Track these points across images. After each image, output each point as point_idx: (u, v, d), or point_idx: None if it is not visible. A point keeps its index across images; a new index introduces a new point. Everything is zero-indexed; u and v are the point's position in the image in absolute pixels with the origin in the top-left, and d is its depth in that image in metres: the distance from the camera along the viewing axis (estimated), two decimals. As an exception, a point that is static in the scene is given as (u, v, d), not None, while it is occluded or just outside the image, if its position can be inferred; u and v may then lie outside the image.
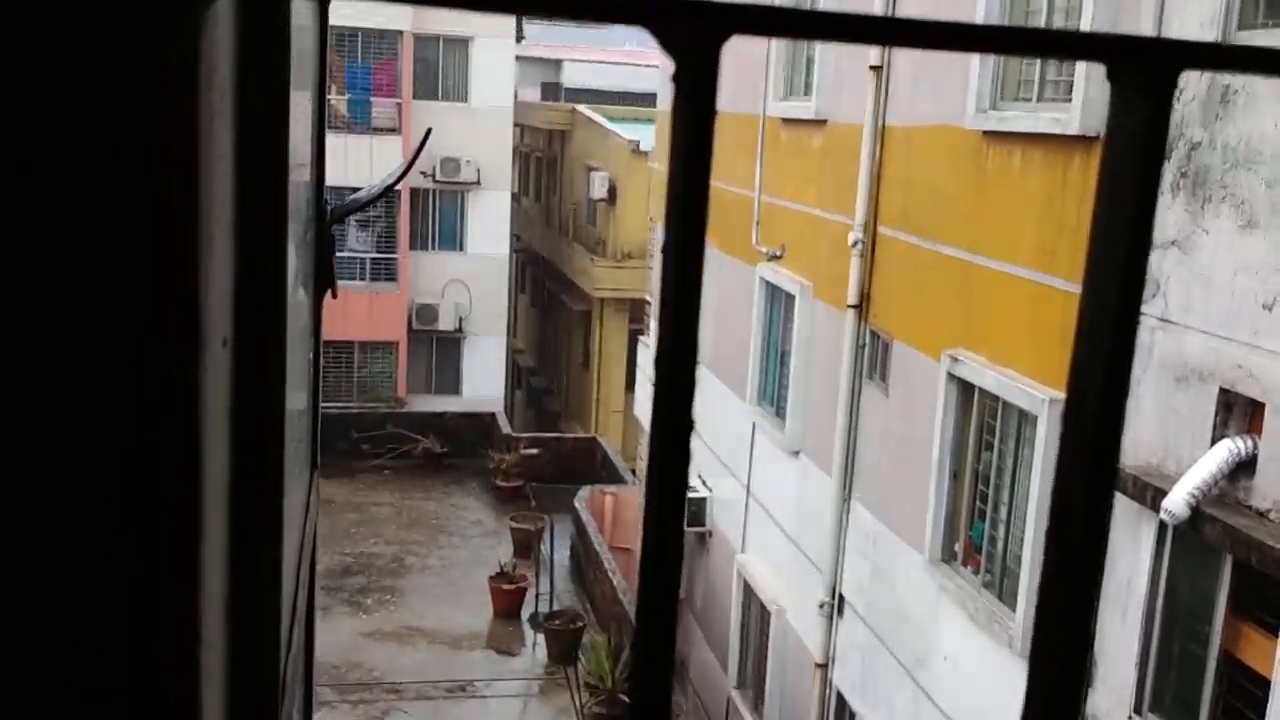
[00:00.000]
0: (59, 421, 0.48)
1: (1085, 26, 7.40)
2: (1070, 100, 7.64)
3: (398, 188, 25.36)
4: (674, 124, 0.51)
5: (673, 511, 0.53)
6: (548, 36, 42.86)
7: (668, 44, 0.51)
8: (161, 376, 0.48)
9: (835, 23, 0.52)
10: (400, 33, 25.63)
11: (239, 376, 0.69)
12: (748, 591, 13.44)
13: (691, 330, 0.50)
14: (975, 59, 8.66)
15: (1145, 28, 6.83)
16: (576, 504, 19.92)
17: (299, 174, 1.52)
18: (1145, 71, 0.55)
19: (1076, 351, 0.59)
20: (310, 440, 1.73)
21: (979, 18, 8.60)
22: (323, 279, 1.71)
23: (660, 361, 0.51)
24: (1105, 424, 0.56)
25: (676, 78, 0.52)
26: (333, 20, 25.63)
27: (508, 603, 17.99)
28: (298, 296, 1.43)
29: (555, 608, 17.72)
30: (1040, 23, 8.23)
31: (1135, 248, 0.54)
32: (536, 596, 17.96)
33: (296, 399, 1.45)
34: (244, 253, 0.71)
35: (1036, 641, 0.56)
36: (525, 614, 18.08)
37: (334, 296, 1.81)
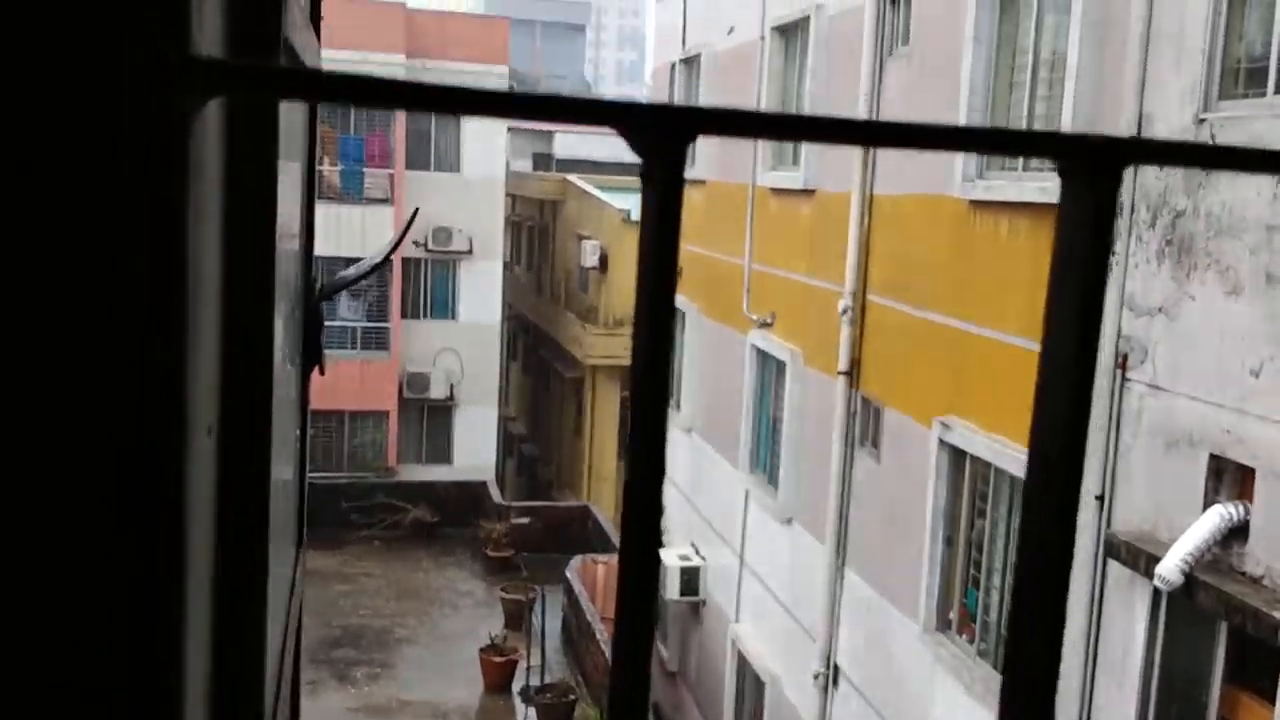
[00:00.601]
0: (40, 513, 0.49)
1: (1068, 97, 7.53)
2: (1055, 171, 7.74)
3: (391, 258, 25.47)
4: (643, 218, 0.54)
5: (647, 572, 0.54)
6: (539, 108, 43.27)
7: (636, 145, 0.53)
8: (145, 467, 0.49)
9: (794, 124, 0.55)
10: (393, 105, 25.92)
11: (224, 465, 0.70)
12: (742, 661, 13.30)
13: (660, 423, 0.52)
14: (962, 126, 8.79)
15: (1127, 99, 6.95)
16: (568, 574, 19.76)
17: (287, 250, 1.55)
18: (1091, 167, 0.57)
19: (1033, 435, 0.60)
20: (297, 517, 1.73)
21: (963, 88, 8.75)
22: (310, 356, 1.72)
23: (630, 467, 0.52)
24: (1063, 508, 0.58)
25: (644, 174, 0.54)
26: (327, 93, 25.92)
27: (498, 676, 17.76)
28: (285, 372, 1.45)
29: (547, 680, 17.49)
30: (1024, 92, 8.37)
31: (1085, 334, 0.57)
32: (528, 669, 17.74)
33: (283, 476, 1.46)
34: (230, 341, 0.73)
35: (1006, 684, 0.57)
36: (516, 687, 17.84)
37: (321, 373, 1.82)
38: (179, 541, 0.51)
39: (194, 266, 0.53)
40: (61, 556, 0.51)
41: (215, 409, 0.69)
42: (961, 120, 8.78)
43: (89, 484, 0.50)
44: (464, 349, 27.11)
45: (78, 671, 0.52)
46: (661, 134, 0.53)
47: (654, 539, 0.58)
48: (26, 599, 0.51)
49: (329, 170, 25.67)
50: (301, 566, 1.72)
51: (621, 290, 25.34)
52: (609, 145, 33.50)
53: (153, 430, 0.49)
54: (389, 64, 25.64)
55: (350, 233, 24.98)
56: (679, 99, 16.06)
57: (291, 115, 1.58)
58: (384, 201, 25.86)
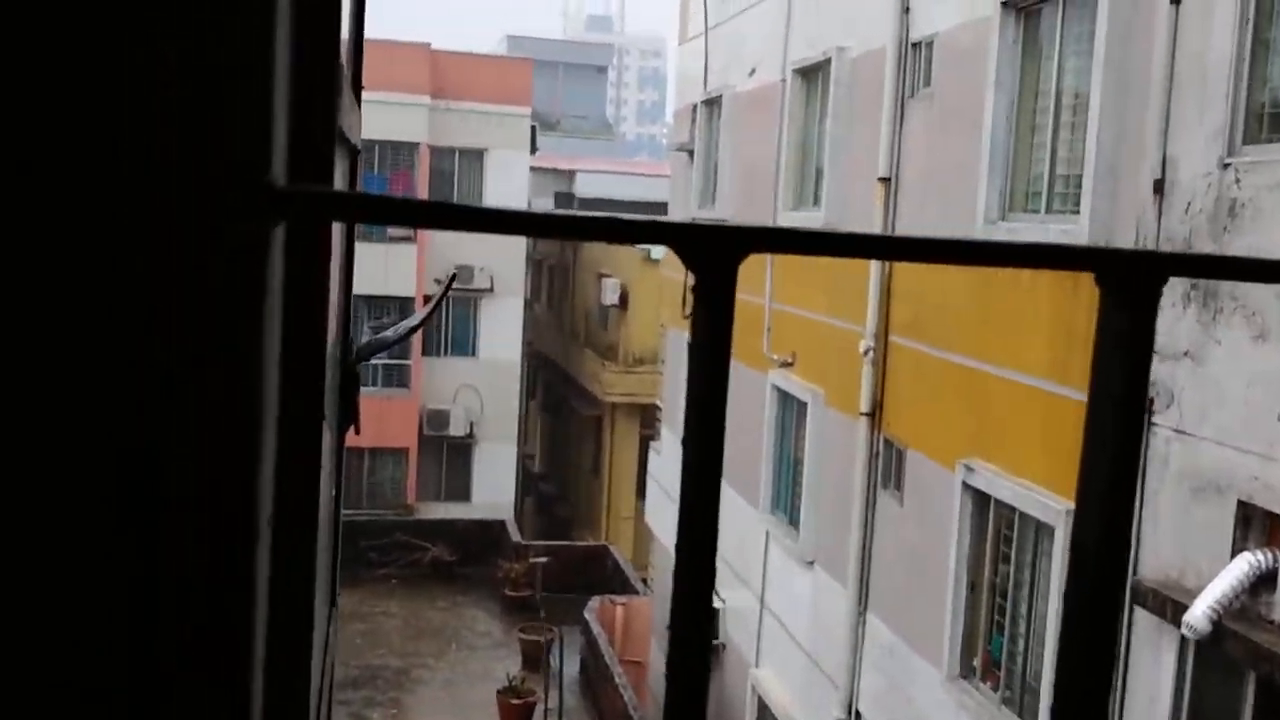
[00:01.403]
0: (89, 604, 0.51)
1: (1091, 140, 7.54)
2: (1079, 212, 7.74)
3: (412, 295, 25.63)
4: (694, 328, 0.55)
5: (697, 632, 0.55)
6: (561, 147, 43.74)
7: (690, 262, 0.55)
8: (223, 558, 0.51)
9: (839, 241, 0.56)
10: (417, 145, 26.18)
11: (276, 552, 0.71)
12: (762, 707, 13.18)
13: (711, 549, 0.53)
14: (983, 171, 8.81)
15: (1150, 143, 6.95)
16: (587, 615, 19.66)
17: (332, 318, 1.57)
18: (1130, 280, 0.58)
19: (1075, 539, 0.61)
20: (330, 578, 1.75)
21: (985, 131, 8.77)
22: (346, 416, 1.74)
23: (678, 573, 0.53)
24: (1104, 617, 0.58)
25: (697, 290, 0.56)
26: (351, 133, 26.15)
27: (516, 718, 17.64)
28: (326, 443, 1.46)
29: (565, 721, 17.37)
30: (1047, 135, 8.38)
31: (1124, 450, 0.57)
32: (545, 711, 17.62)
33: (321, 537, 1.47)
34: (284, 435, 0.75)
35: None
36: (535, 728, 17.72)
37: (357, 433, 1.84)
38: (248, 632, 0.52)
39: (266, 369, 0.54)
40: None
41: (270, 502, 0.71)
42: (983, 161, 8.80)
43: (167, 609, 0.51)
44: (484, 386, 27.18)
45: (78, 671, 0.53)
46: (714, 253, 0.54)
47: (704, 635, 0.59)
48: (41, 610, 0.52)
49: (352, 209, 25.87)
50: (335, 624, 1.73)
51: (641, 328, 25.38)
52: (630, 185, 33.69)
53: (230, 532, 0.50)
54: (414, 104, 25.92)
55: (373, 271, 25.13)
56: (700, 139, 16.15)
57: (342, 172, 1.60)
58: (407, 240, 26.05)
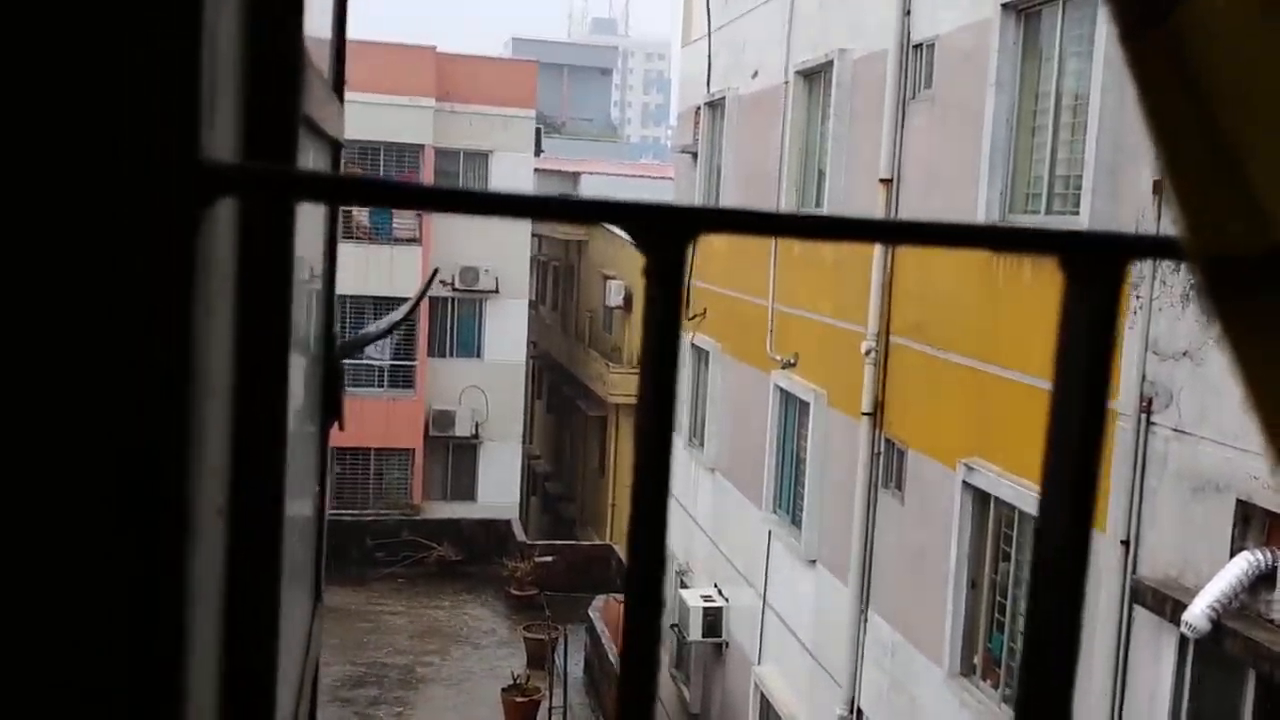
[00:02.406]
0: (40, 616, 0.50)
1: (1090, 140, 7.53)
2: (1079, 212, 7.73)
3: (409, 315, 25.60)
4: (646, 309, 0.55)
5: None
6: (566, 150, 43.76)
7: (641, 242, 0.54)
8: (147, 551, 0.50)
9: (790, 223, 0.56)
10: (421, 147, 26.19)
11: (233, 548, 0.71)
12: (765, 704, 13.18)
13: (661, 509, 0.52)
14: (984, 172, 8.80)
15: (1149, 145, 6.93)
16: (591, 613, 19.66)
17: (309, 309, 1.56)
18: (1093, 263, 0.58)
19: (1037, 543, 0.60)
20: (314, 574, 1.74)
21: (985, 132, 8.77)
22: (330, 411, 1.74)
23: (630, 552, 0.53)
24: (1070, 622, 0.58)
25: (647, 270, 0.56)
26: (355, 134, 26.16)
27: (520, 716, 17.66)
28: (305, 431, 1.46)
29: (569, 721, 17.38)
30: (1047, 135, 8.37)
31: (1087, 432, 0.57)
32: (549, 709, 17.63)
33: (301, 533, 1.47)
34: (242, 418, 0.74)
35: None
36: (539, 727, 17.73)
37: (341, 428, 1.84)
38: (179, 628, 0.52)
39: (202, 362, 0.54)
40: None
41: (224, 490, 0.70)
42: (984, 162, 8.79)
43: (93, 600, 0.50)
44: (489, 387, 27.19)
45: (78, 672, 0.52)
46: (664, 233, 0.54)
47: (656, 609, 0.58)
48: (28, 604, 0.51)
49: (358, 211, 25.90)
50: (318, 621, 1.72)
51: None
52: (635, 187, 33.72)
53: (154, 523, 0.50)
54: (419, 106, 25.94)
55: (379, 272, 25.17)
56: (704, 141, 16.15)
57: (319, 165, 1.60)
58: (412, 242, 26.07)
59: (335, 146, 1.67)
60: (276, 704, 0.86)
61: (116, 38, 0.48)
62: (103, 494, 0.51)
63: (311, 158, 1.27)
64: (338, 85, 1.68)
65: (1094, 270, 0.58)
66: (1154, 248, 0.58)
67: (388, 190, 0.49)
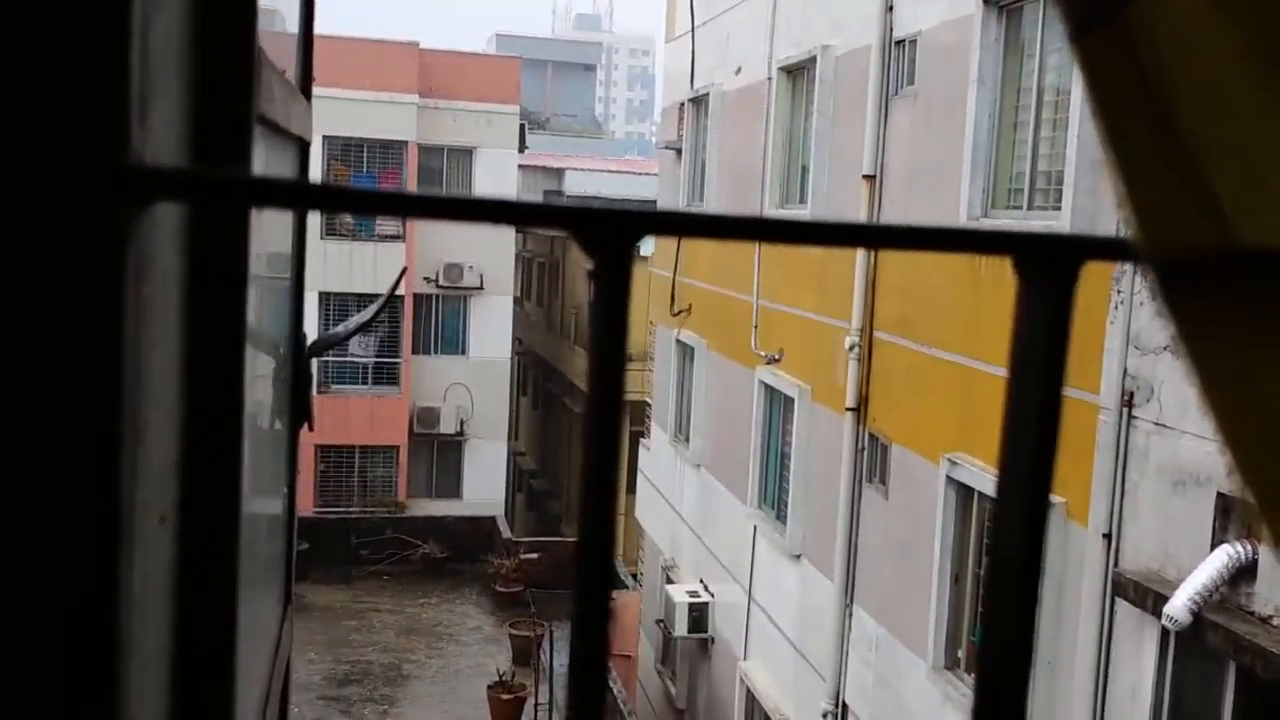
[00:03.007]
0: None
1: (1072, 136, 7.55)
2: (1060, 209, 7.75)
3: (401, 293, 25.58)
4: (593, 311, 0.55)
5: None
6: (551, 146, 43.69)
7: (585, 245, 0.54)
8: (81, 569, 0.49)
9: (735, 225, 0.55)
10: (405, 143, 26.12)
11: (185, 554, 0.70)
12: (750, 700, 13.20)
13: (609, 510, 0.52)
14: (966, 168, 8.82)
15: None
16: (577, 610, 19.60)
17: (278, 309, 1.55)
18: (1048, 264, 0.57)
19: (996, 527, 0.60)
20: (284, 575, 1.73)
21: (967, 128, 8.78)
22: (299, 413, 1.73)
23: (579, 549, 0.52)
24: (1025, 611, 0.57)
25: (593, 275, 0.55)
26: (339, 130, 26.04)
27: (507, 713, 17.65)
28: (271, 432, 1.45)
29: (555, 718, 17.38)
30: (1029, 132, 8.38)
31: (1044, 431, 0.56)
32: (535, 706, 17.63)
33: (267, 534, 1.45)
34: (194, 423, 0.73)
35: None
36: (525, 724, 17.72)
37: (311, 429, 1.83)
38: (112, 643, 0.50)
39: (142, 366, 0.53)
40: None
41: (171, 497, 0.69)
42: (966, 158, 8.81)
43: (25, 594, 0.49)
44: (474, 384, 27.15)
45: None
46: (609, 236, 0.53)
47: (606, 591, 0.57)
48: None
49: (340, 206, 25.82)
50: (289, 625, 1.71)
51: (631, 325, 25.35)
52: (619, 183, 33.68)
53: (88, 526, 0.48)
54: (402, 102, 25.87)
55: (363, 269, 25.11)
56: (688, 137, 16.14)
57: (281, 169, 1.59)
58: (396, 238, 26.00)
59: (302, 146, 1.65)
60: (236, 709, 0.85)
61: (36, 36, 0.47)
62: (29, 501, 0.50)
63: (271, 158, 1.26)
64: (305, 83, 1.66)
65: (1048, 271, 0.58)
66: (1108, 249, 0.57)
67: (326, 195, 0.48)
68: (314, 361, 2.02)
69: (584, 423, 0.55)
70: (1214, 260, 0.49)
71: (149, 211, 0.54)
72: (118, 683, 0.49)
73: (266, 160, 1.21)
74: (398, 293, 25.59)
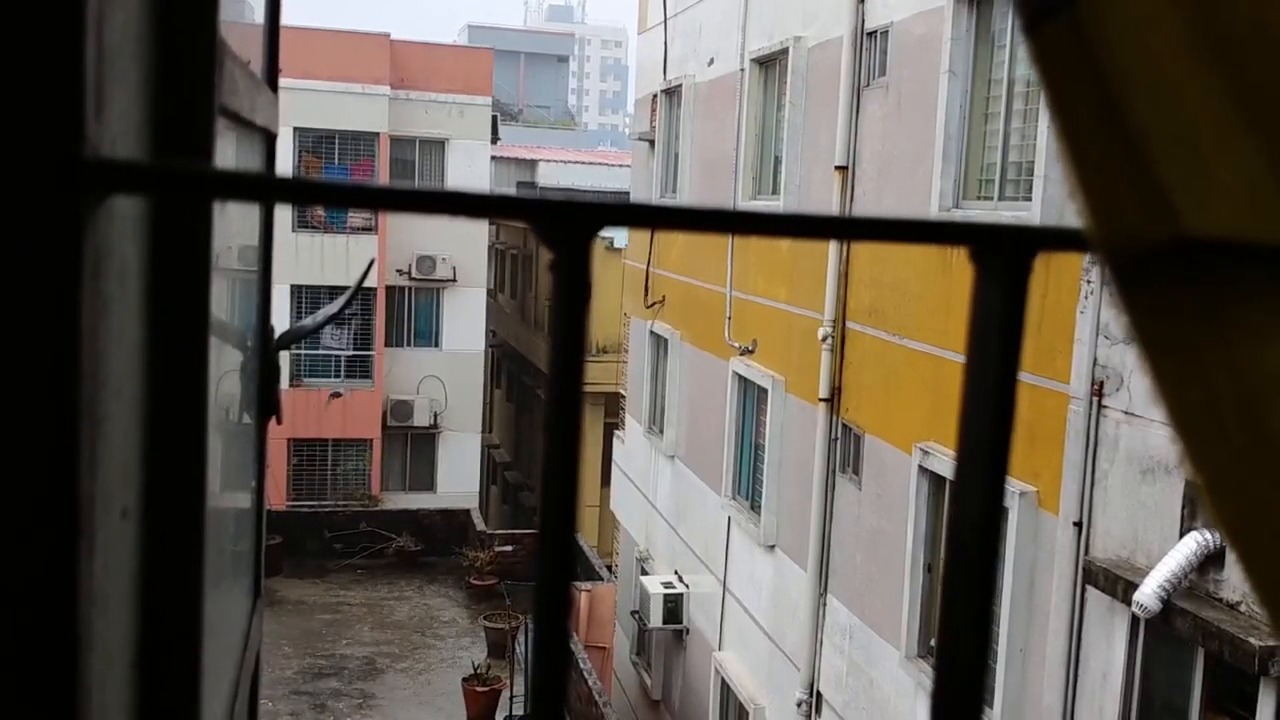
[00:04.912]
0: None
1: (1043, 127, 7.60)
2: (1030, 199, 7.80)
3: (374, 286, 25.47)
4: (554, 303, 0.55)
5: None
6: (523, 137, 43.57)
7: (545, 237, 0.54)
8: (39, 569, 0.49)
9: (693, 217, 0.55)
10: (377, 135, 25.99)
11: (149, 547, 0.69)
12: (725, 690, 13.25)
13: (570, 497, 0.52)
14: (938, 159, 8.86)
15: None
16: (552, 602, 19.61)
17: (245, 301, 1.54)
18: (1003, 254, 0.58)
19: (952, 511, 0.61)
20: (253, 568, 1.72)
21: (939, 118, 8.82)
22: (266, 406, 1.72)
23: (540, 538, 0.53)
24: (979, 593, 0.58)
25: (552, 266, 0.55)
26: (310, 122, 25.85)
27: (482, 706, 17.64)
28: (238, 425, 1.44)
29: (530, 710, 17.37)
30: (1000, 123, 8.42)
31: (999, 417, 0.57)
32: (511, 698, 17.64)
33: (235, 528, 1.45)
34: (157, 424, 0.73)
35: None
36: (500, 717, 17.73)
37: (279, 423, 1.82)
38: (72, 640, 0.50)
39: (100, 360, 0.52)
40: None
41: (134, 490, 0.68)
42: (938, 149, 8.85)
43: None
44: (448, 377, 27.08)
45: None
46: (567, 228, 0.54)
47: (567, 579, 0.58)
48: None
49: (311, 199, 25.67)
50: (259, 619, 1.70)
51: (604, 318, 25.36)
52: (592, 175, 33.63)
53: (44, 519, 0.48)
54: (374, 94, 25.73)
55: (335, 261, 24.98)
56: (661, 129, 16.13)
57: (248, 160, 1.58)
58: (368, 230, 25.87)
59: (268, 138, 1.64)
60: (201, 703, 0.85)
61: None
62: None
63: (237, 151, 1.25)
64: (271, 74, 1.65)
65: (1004, 261, 0.59)
66: (1062, 239, 0.58)
67: (287, 187, 0.48)
68: (284, 354, 2.01)
69: (545, 418, 0.56)
70: (1164, 251, 0.50)
71: (106, 205, 0.54)
72: (77, 675, 0.49)
73: (231, 153, 1.20)
74: (370, 285, 25.49)
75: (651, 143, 16.47)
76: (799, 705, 11.10)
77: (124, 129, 0.61)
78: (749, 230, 0.56)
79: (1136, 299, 0.53)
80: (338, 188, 0.48)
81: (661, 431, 15.83)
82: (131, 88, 0.64)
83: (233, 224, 1.31)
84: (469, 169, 27.00)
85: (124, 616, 0.63)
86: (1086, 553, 7.04)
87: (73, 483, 0.48)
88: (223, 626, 1.12)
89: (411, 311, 27.31)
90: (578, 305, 0.52)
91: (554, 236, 0.52)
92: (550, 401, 0.53)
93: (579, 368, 0.52)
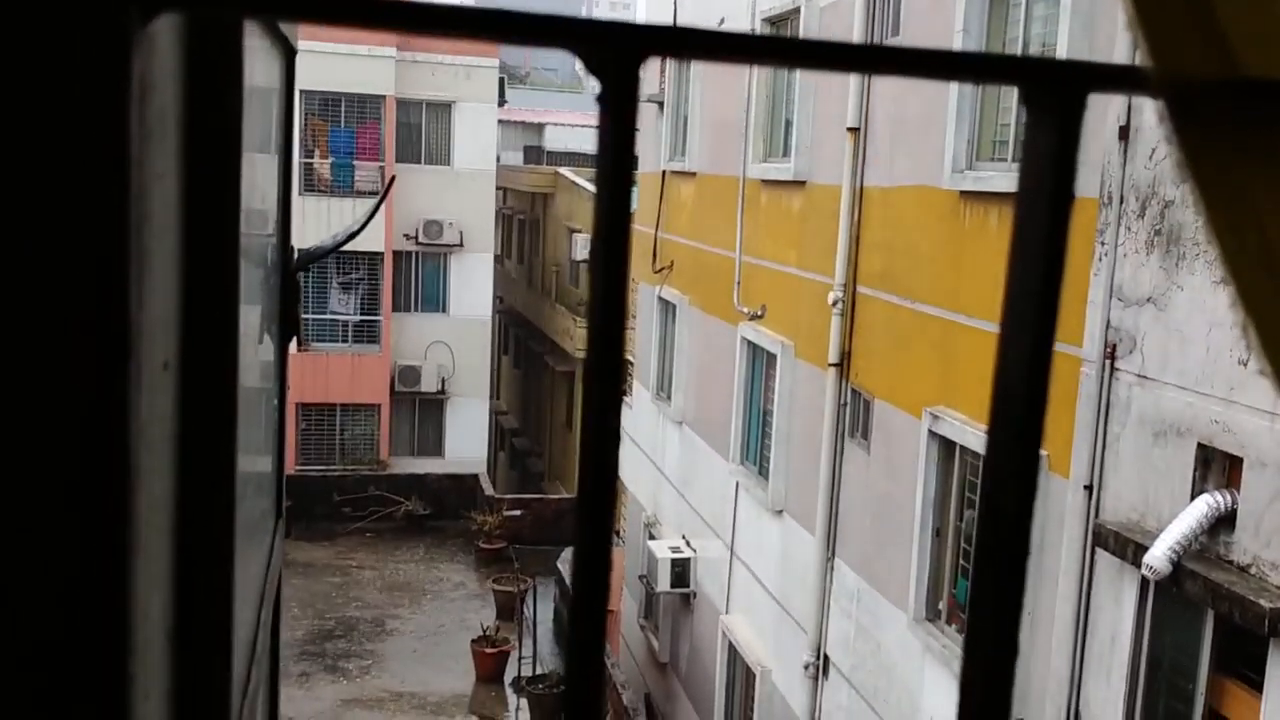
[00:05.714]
0: None
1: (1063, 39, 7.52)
2: (1043, 160, 7.74)
3: (381, 250, 25.42)
4: (599, 138, 0.53)
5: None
6: (530, 100, 43.35)
7: (590, 64, 0.53)
8: (91, 395, 0.48)
9: (746, 44, 0.54)
10: (383, 97, 25.87)
11: (186, 402, 0.69)
12: (732, 653, 13.32)
13: (619, 335, 0.51)
14: (951, 119, 8.79)
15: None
16: (560, 565, 19.76)
17: (263, 221, 1.53)
18: (1056, 93, 0.57)
19: (998, 372, 0.60)
20: (276, 489, 1.72)
21: (951, 99, 8.74)
22: (288, 327, 1.71)
23: (589, 361, 0.52)
24: (1028, 438, 0.57)
25: (600, 97, 0.54)
26: (316, 85, 25.74)
27: (490, 667, 17.77)
28: (263, 343, 1.43)
29: (539, 671, 17.51)
30: (1013, 90, 8.35)
31: (1050, 269, 0.56)
32: (519, 660, 17.76)
33: (259, 440, 1.45)
34: (192, 278, 0.72)
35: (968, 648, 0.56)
36: (508, 678, 17.86)
37: (300, 345, 1.82)
38: (124, 469, 0.50)
39: (138, 185, 0.52)
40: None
41: (175, 346, 0.68)
42: (951, 111, 8.78)
43: (27, 442, 0.48)
44: (455, 342, 27.09)
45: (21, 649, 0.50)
46: (616, 52, 0.52)
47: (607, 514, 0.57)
48: None
49: (320, 163, 25.60)
50: (279, 538, 1.71)
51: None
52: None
53: (93, 357, 0.48)
54: (380, 56, 25.59)
55: (342, 225, 24.89)
56: (670, 91, 16.04)
57: (268, 93, 1.57)
58: (374, 194, 25.80)
59: (289, 52, 1.63)
60: (234, 614, 0.85)
61: None
62: (30, 325, 0.49)
63: (268, 61, 1.24)
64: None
65: (1056, 99, 0.58)
66: (1118, 77, 0.57)
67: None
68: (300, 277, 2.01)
69: (590, 262, 0.54)
70: (1219, 89, 0.49)
71: (149, 35, 0.53)
72: (129, 585, 0.49)
73: (262, 66, 1.18)
74: (377, 250, 25.45)
75: (661, 105, 16.37)
76: (806, 668, 11.16)
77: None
78: (800, 63, 0.54)
79: (1190, 137, 0.52)
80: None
81: (669, 397, 15.84)
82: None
83: (256, 175, 1.30)
84: (475, 132, 26.88)
85: (165, 463, 0.63)
86: (1097, 515, 7.04)
87: (124, 313, 0.48)
88: (249, 544, 1.12)
89: (418, 277, 27.29)
90: (625, 133, 0.51)
91: (601, 63, 0.51)
92: (595, 243, 0.52)
93: (626, 206, 0.51)
